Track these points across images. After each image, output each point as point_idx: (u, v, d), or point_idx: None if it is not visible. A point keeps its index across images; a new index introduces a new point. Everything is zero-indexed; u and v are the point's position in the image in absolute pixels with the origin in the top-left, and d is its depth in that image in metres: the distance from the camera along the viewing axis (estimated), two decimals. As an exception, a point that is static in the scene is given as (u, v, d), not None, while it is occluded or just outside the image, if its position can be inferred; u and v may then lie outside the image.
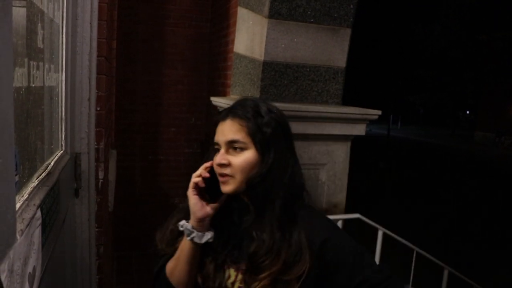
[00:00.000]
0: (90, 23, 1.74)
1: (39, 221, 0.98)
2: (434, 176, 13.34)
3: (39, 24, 1.18)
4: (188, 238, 1.12)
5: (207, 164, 1.14)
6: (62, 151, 1.60)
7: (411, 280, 3.50)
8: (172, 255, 1.20)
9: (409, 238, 3.30)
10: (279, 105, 2.58)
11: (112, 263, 3.46)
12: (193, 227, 1.12)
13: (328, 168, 2.63)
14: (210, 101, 3.30)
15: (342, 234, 1.16)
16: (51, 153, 1.46)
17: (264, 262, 1.04)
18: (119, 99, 4.06)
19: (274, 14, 2.51)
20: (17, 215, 0.80)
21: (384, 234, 3.20)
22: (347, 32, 2.70)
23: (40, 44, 1.19)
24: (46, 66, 1.28)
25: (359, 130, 2.61)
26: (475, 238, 7.37)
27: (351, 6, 2.66)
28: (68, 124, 1.65)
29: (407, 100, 31.50)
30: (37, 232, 0.95)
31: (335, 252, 1.08)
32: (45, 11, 1.26)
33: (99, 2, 1.81)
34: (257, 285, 1.04)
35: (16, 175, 0.82)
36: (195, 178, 1.13)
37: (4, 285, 0.65)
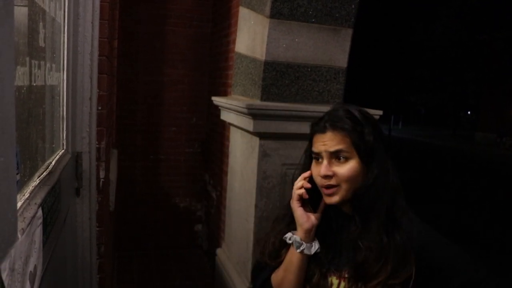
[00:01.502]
0: (92, 23, 1.74)
1: (40, 220, 0.98)
2: (435, 177, 13.33)
3: (41, 23, 1.18)
4: (298, 250, 1.14)
5: (306, 175, 1.16)
6: (63, 150, 1.60)
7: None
8: (275, 268, 1.21)
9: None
10: (279, 105, 2.58)
11: (113, 262, 3.46)
12: (301, 239, 1.14)
13: (329, 168, 2.62)
14: (211, 101, 3.30)
15: (437, 236, 1.16)
16: (52, 152, 1.46)
17: (373, 269, 1.05)
18: (120, 99, 4.06)
19: (276, 14, 2.51)
20: (18, 214, 0.80)
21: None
22: (349, 32, 2.70)
23: (41, 43, 1.19)
24: (48, 65, 1.28)
25: (360, 130, 2.61)
26: (476, 239, 7.37)
27: (353, 6, 2.66)
28: (70, 123, 1.65)
29: (408, 100, 31.50)
30: (38, 231, 0.95)
31: (433, 255, 1.09)
32: (47, 10, 1.26)
33: (100, 2, 1.81)
34: None
35: (17, 174, 0.82)
36: (298, 190, 1.15)
37: (5, 283, 0.65)
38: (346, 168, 1.09)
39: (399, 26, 28.52)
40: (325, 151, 1.11)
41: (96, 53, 1.79)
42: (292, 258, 1.15)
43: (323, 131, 1.13)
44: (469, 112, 39.09)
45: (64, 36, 1.57)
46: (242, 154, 2.85)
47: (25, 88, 0.99)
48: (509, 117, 24.65)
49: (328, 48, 2.67)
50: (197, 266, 4.25)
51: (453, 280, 1.08)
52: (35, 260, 0.89)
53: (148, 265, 4.20)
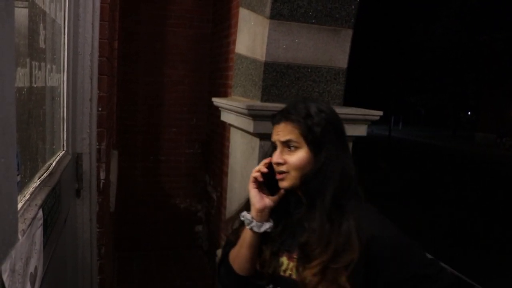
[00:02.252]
0: (92, 24, 1.75)
1: (41, 221, 0.98)
2: (435, 177, 13.33)
3: (41, 25, 1.18)
4: (248, 227, 1.22)
5: (266, 161, 1.24)
6: (63, 152, 1.60)
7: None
8: (235, 244, 1.29)
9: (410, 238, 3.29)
10: (280, 105, 2.58)
11: (113, 263, 3.46)
12: (252, 218, 1.22)
13: (329, 169, 2.62)
14: (211, 102, 3.30)
15: (392, 227, 1.19)
16: (53, 153, 1.46)
17: (314, 251, 1.11)
18: (121, 100, 4.06)
19: (276, 15, 2.51)
20: (18, 215, 0.80)
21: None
22: (349, 33, 2.70)
23: (42, 45, 1.19)
24: (48, 66, 1.29)
25: (360, 131, 2.61)
26: (476, 239, 7.36)
27: (353, 7, 2.66)
28: (70, 124, 1.65)
29: (408, 101, 31.49)
30: (39, 232, 0.95)
31: (385, 246, 1.13)
32: (47, 11, 1.27)
33: (100, 3, 1.81)
34: (307, 273, 1.11)
35: (17, 175, 0.82)
36: (254, 173, 1.23)
37: (6, 285, 0.65)
38: (295, 157, 1.18)
39: (399, 26, 28.51)
40: (278, 140, 1.21)
41: (96, 54, 1.79)
42: (245, 235, 1.23)
43: (278, 122, 1.23)
44: (469, 113, 39.08)
45: (64, 37, 1.58)
46: (243, 155, 2.85)
47: (25, 89, 0.99)
48: (509, 117, 24.65)
49: (328, 48, 2.67)
50: (198, 266, 4.25)
51: (405, 271, 1.12)
52: (35, 261, 0.89)
53: (149, 265, 4.20)
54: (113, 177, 2.76)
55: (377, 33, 29.36)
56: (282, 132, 1.20)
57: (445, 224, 8.17)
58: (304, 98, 1.31)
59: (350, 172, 1.21)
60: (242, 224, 1.27)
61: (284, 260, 1.21)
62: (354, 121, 2.55)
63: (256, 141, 2.56)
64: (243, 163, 2.83)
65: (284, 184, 1.20)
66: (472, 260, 6.05)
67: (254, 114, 2.40)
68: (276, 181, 1.21)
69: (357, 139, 2.66)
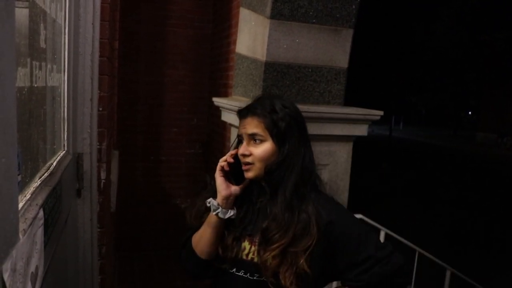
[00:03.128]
0: (93, 24, 1.75)
1: (42, 221, 0.98)
2: (436, 177, 13.32)
3: (42, 25, 1.18)
4: (214, 213, 1.27)
5: (233, 152, 1.31)
6: (64, 151, 1.60)
7: (413, 281, 3.49)
8: (198, 229, 1.35)
9: (411, 238, 3.29)
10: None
11: (114, 263, 3.46)
12: (218, 204, 1.27)
13: (330, 169, 2.63)
14: (212, 102, 3.30)
15: (347, 215, 1.33)
16: (54, 153, 1.46)
17: (275, 236, 1.19)
18: (121, 100, 4.06)
19: (276, 15, 2.51)
20: (19, 215, 0.80)
21: (387, 235, 3.19)
22: (349, 32, 2.70)
23: (42, 44, 1.19)
24: (49, 66, 1.29)
25: (361, 130, 2.61)
26: (477, 239, 7.36)
27: (353, 7, 2.66)
28: (71, 124, 1.65)
29: (409, 101, 31.48)
30: (40, 232, 0.95)
31: (341, 231, 1.25)
32: (48, 11, 1.27)
33: (101, 3, 1.81)
34: (268, 255, 1.19)
35: (18, 175, 0.82)
36: (221, 162, 1.29)
37: (7, 284, 0.65)
38: (260, 149, 1.25)
39: (399, 26, 28.47)
40: (244, 133, 1.27)
41: (97, 54, 1.79)
42: (210, 220, 1.29)
43: (244, 116, 1.30)
44: (470, 113, 39.06)
45: (65, 37, 1.57)
46: (243, 155, 2.85)
47: (26, 89, 0.99)
48: (510, 117, 24.63)
49: (328, 48, 2.67)
50: (198, 267, 4.24)
51: (360, 253, 1.23)
52: (36, 261, 0.89)
53: (149, 265, 4.20)
54: (114, 177, 2.76)
55: (378, 32, 29.34)
56: (249, 125, 1.26)
57: (445, 224, 8.16)
58: (270, 95, 1.42)
59: (311, 165, 1.30)
60: (206, 210, 1.32)
61: (246, 244, 1.28)
62: (355, 121, 2.55)
63: (257, 141, 2.56)
64: (244, 163, 2.82)
65: (249, 174, 1.26)
66: (472, 259, 6.05)
67: (254, 114, 2.39)
68: (241, 172, 1.28)
69: (358, 139, 2.66)
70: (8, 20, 0.64)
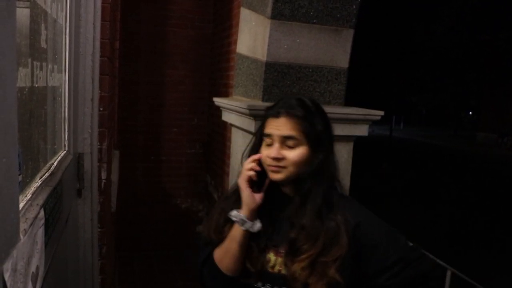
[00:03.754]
0: (93, 24, 1.75)
1: (42, 221, 0.98)
2: (436, 177, 13.31)
3: (43, 25, 1.18)
4: (243, 228, 1.19)
5: (256, 157, 1.22)
6: (65, 151, 1.60)
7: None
8: (217, 244, 1.26)
9: (411, 238, 3.28)
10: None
11: (114, 263, 3.46)
12: (246, 218, 1.19)
13: (330, 169, 2.62)
14: (212, 102, 3.30)
15: (374, 218, 1.25)
16: (54, 153, 1.46)
17: (303, 246, 1.14)
18: (122, 100, 4.06)
19: (277, 15, 2.51)
20: (20, 215, 0.80)
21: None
22: (350, 32, 2.70)
23: (43, 45, 1.19)
24: (50, 66, 1.29)
25: (362, 130, 2.61)
26: (478, 239, 7.35)
27: (354, 7, 2.66)
28: (71, 124, 1.65)
29: (410, 101, 31.48)
30: (40, 231, 0.95)
31: (369, 235, 1.19)
32: (49, 11, 1.27)
33: (102, 3, 1.81)
34: (297, 267, 1.13)
35: (19, 175, 0.82)
36: (248, 172, 1.21)
37: (8, 284, 0.65)
38: (295, 153, 1.17)
39: (400, 26, 28.46)
40: (278, 135, 1.18)
41: (97, 54, 1.79)
42: (236, 234, 1.20)
43: (277, 115, 1.20)
44: (470, 113, 39.04)
45: (65, 37, 1.58)
46: (244, 155, 2.85)
47: (27, 89, 1.00)
48: (510, 117, 24.60)
49: (329, 48, 2.67)
50: (199, 267, 4.24)
51: (390, 256, 1.17)
52: (37, 261, 0.89)
53: (150, 265, 4.20)
54: (114, 177, 2.76)
55: (378, 33, 29.33)
56: (284, 127, 1.18)
57: (446, 224, 8.16)
58: (300, 95, 1.32)
59: (336, 171, 1.26)
60: (227, 222, 1.24)
61: (271, 256, 1.21)
62: (355, 121, 2.55)
63: (257, 141, 2.56)
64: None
65: (278, 176, 1.19)
66: (473, 259, 6.04)
67: (255, 114, 2.40)
68: (260, 176, 1.22)
69: (358, 139, 2.65)
70: (9, 20, 0.64)
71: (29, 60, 1.01)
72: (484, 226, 8.21)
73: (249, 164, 1.21)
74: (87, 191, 1.81)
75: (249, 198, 1.19)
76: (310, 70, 2.65)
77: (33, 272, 0.85)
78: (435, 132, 34.15)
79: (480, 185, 12.39)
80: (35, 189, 1.05)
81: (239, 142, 2.98)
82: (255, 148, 1.26)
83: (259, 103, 2.52)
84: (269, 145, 1.20)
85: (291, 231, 1.17)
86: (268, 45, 2.54)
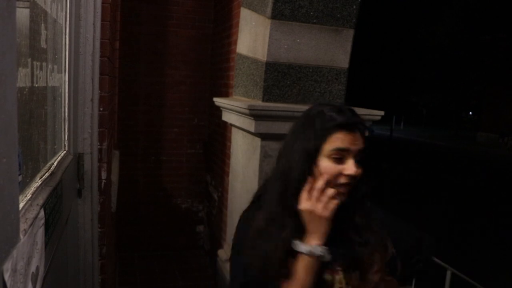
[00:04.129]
0: (93, 24, 1.75)
1: (42, 221, 0.98)
2: (437, 177, 13.31)
3: (43, 25, 1.18)
4: (324, 259, 1.10)
5: (327, 178, 1.10)
6: (65, 152, 1.60)
7: (413, 281, 3.49)
8: (275, 279, 1.11)
9: (412, 237, 3.28)
10: (281, 105, 2.58)
11: (115, 263, 3.46)
12: (325, 248, 1.10)
13: (330, 169, 2.62)
14: (213, 102, 3.30)
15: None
16: (54, 153, 1.47)
17: (372, 259, 1.14)
18: (122, 100, 4.07)
19: (277, 15, 2.51)
20: (20, 215, 0.80)
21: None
22: (350, 32, 2.70)
23: (43, 45, 1.19)
24: (50, 66, 1.29)
25: (362, 130, 2.61)
26: (478, 239, 7.35)
27: (354, 7, 2.66)
28: (71, 124, 1.66)
29: (410, 101, 31.47)
30: (40, 232, 0.95)
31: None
32: (49, 11, 1.27)
33: (102, 3, 1.81)
34: (373, 278, 1.14)
35: (19, 175, 0.82)
36: (334, 200, 1.09)
37: (8, 284, 0.65)
38: (360, 169, 1.11)
39: (401, 26, 28.47)
40: (355, 150, 1.10)
41: (97, 54, 1.79)
42: (308, 265, 1.09)
43: (352, 129, 1.11)
44: (471, 113, 39.01)
45: (65, 38, 1.58)
46: (244, 155, 2.85)
47: (27, 89, 1.00)
48: (511, 117, 24.60)
49: (329, 48, 2.67)
50: (199, 267, 4.25)
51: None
52: (37, 261, 0.89)
53: (150, 266, 4.20)
54: (115, 177, 2.76)
55: (379, 33, 29.32)
56: (359, 142, 1.11)
57: (447, 223, 8.15)
58: (340, 103, 1.26)
59: None
60: (288, 255, 1.11)
61: (328, 276, 1.14)
62: (355, 121, 2.55)
63: (258, 141, 2.56)
64: (245, 163, 2.83)
65: (343, 198, 1.11)
66: (473, 259, 6.04)
67: (255, 114, 2.40)
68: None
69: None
70: (9, 20, 0.64)
71: (29, 60, 1.01)
72: (485, 226, 8.21)
73: (330, 190, 1.09)
74: (87, 191, 1.81)
75: (327, 227, 1.10)
76: (310, 70, 2.65)
77: (33, 272, 0.85)
78: (435, 132, 34.14)
79: (481, 185, 12.38)
80: (35, 189, 1.05)
81: (239, 142, 2.98)
82: (305, 167, 1.12)
83: (259, 103, 2.52)
84: (337, 160, 1.10)
85: (353, 249, 1.14)
86: (268, 45, 2.54)
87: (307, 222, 1.10)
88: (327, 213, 1.08)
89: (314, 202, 1.08)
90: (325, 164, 1.10)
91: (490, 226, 8.22)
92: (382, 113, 2.58)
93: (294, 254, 1.10)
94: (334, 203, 1.09)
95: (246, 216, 1.23)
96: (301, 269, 1.09)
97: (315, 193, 1.09)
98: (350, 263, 1.13)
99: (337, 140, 1.10)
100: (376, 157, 15.97)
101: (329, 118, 1.12)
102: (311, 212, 1.09)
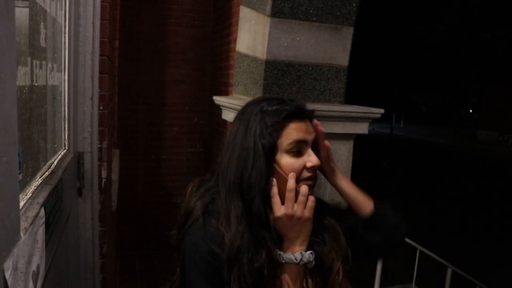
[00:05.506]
0: (93, 23, 1.75)
1: (43, 220, 0.98)
2: (437, 175, 13.31)
3: (42, 23, 1.18)
4: (312, 265, 1.03)
5: (293, 175, 1.00)
6: (65, 150, 1.60)
7: (414, 279, 3.50)
8: None
9: (412, 237, 3.29)
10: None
11: (115, 262, 3.47)
12: (311, 253, 1.03)
13: (330, 167, 2.62)
14: (213, 100, 3.30)
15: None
16: (54, 152, 1.47)
17: (330, 257, 1.07)
18: (122, 99, 4.06)
19: (276, 13, 2.51)
20: (21, 214, 0.80)
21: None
22: (350, 30, 2.70)
23: (43, 43, 1.19)
24: (49, 65, 1.29)
25: (362, 128, 2.61)
26: (478, 237, 7.36)
27: (354, 5, 2.66)
28: (71, 123, 1.66)
29: (410, 99, 31.44)
30: (41, 230, 0.95)
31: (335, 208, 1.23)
32: (48, 10, 1.27)
33: (101, 2, 1.81)
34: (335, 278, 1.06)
35: (19, 173, 0.82)
36: (312, 197, 1.00)
37: (9, 283, 0.65)
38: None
39: (400, 24, 28.43)
40: (310, 139, 1.03)
41: (97, 53, 1.79)
42: (299, 273, 1.02)
43: (303, 118, 1.03)
44: (471, 111, 39.00)
45: (65, 36, 1.58)
46: (244, 153, 2.85)
47: (26, 88, 1.00)
48: (511, 115, 24.59)
49: (329, 46, 2.67)
50: (199, 265, 4.25)
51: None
52: (38, 259, 0.89)
53: (150, 264, 4.21)
54: (115, 176, 2.76)
55: (379, 30, 29.30)
56: (311, 130, 1.04)
57: (447, 222, 8.16)
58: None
59: None
60: (274, 266, 1.01)
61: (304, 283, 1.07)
62: (355, 119, 2.55)
63: (258, 140, 2.56)
64: (245, 162, 2.82)
65: (311, 190, 1.03)
66: (474, 257, 6.05)
67: (255, 113, 2.39)
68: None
69: (358, 137, 2.65)
70: (9, 19, 0.64)
71: (29, 59, 1.01)
72: (486, 224, 8.22)
73: (304, 187, 1.00)
74: (88, 190, 1.81)
75: (310, 229, 1.02)
76: (310, 68, 2.65)
77: (33, 271, 0.85)
78: (435, 130, 34.13)
79: (481, 183, 12.39)
80: (35, 188, 1.05)
81: (239, 140, 2.98)
82: (261, 165, 0.99)
83: (259, 102, 2.52)
84: (296, 153, 1.01)
85: (314, 247, 1.05)
86: (268, 43, 2.54)
87: (287, 228, 1.00)
88: (309, 213, 1.00)
89: (291, 205, 0.99)
90: (286, 161, 1.00)
91: (491, 224, 8.22)
92: (382, 111, 2.58)
93: (274, 266, 1.00)
94: (312, 201, 1.00)
95: (199, 228, 1.04)
96: (291, 279, 1.00)
97: (289, 195, 0.98)
98: (314, 266, 1.04)
99: (292, 132, 1.00)
100: (376, 155, 15.98)
101: (276, 111, 1.01)
102: (291, 217, 0.99)
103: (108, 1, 1.94)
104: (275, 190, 1.00)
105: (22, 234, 0.77)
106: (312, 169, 1.02)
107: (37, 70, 1.10)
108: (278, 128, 1.00)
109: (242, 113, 1.07)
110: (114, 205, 2.74)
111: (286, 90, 2.62)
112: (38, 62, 1.12)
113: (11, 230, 0.69)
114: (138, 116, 4.33)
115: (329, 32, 2.65)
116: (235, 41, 3.23)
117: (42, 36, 1.19)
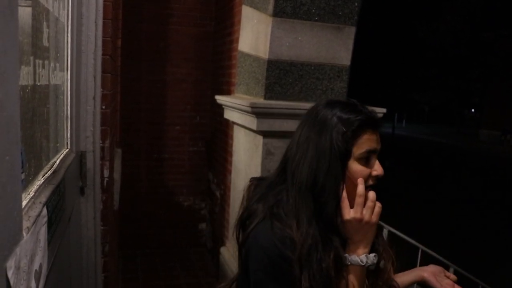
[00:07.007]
0: (95, 22, 1.75)
1: (45, 219, 0.99)
2: (440, 175, 13.29)
3: (45, 23, 1.18)
4: (373, 267, 1.08)
5: (362, 180, 1.06)
6: (67, 150, 1.60)
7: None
8: None
9: (414, 236, 3.28)
10: (283, 103, 2.58)
11: (118, 261, 3.47)
12: (373, 255, 1.08)
13: (332, 167, 2.62)
14: (215, 100, 3.30)
15: None
16: (57, 151, 1.47)
17: (386, 258, 1.12)
18: (124, 98, 4.07)
19: (279, 13, 2.50)
20: (23, 213, 0.80)
21: (390, 233, 3.18)
22: (352, 30, 2.69)
23: (45, 43, 1.20)
24: (52, 64, 1.29)
25: (364, 128, 2.61)
26: (480, 236, 7.34)
27: (356, 4, 2.65)
28: (74, 122, 1.66)
29: (412, 98, 31.36)
30: (43, 229, 0.95)
31: None
32: (51, 10, 1.27)
33: (103, 1, 1.81)
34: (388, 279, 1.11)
35: (22, 173, 0.82)
36: (379, 204, 1.06)
37: (11, 282, 0.65)
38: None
39: (402, 24, 28.35)
40: (379, 149, 1.09)
41: (99, 52, 1.79)
42: (363, 275, 1.06)
43: (375, 128, 1.09)
44: (473, 110, 38.90)
45: (67, 36, 1.58)
46: (246, 153, 2.86)
47: (29, 88, 1.00)
48: (514, 114, 24.53)
49: (331, 46, 2.67)
50: (201, 264, 4.26)
51: None
52: (40, 258, 0.89)
53: (153, 263, 4.21)
54: (117, 175, 2.77)
55: (381, 30, 29.23)
56: (379, 140, 1.11)
57: (449, 221, 8.15)
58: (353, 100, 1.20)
59: None
60: (339, 269, 1.04)
61: None
62: (357, 119, 2.55)
63: (260, 139, 2.56)
64: (247, 161, 2.83)
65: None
66: (476, 256, 6.03)
67: (257, 112, 2.40)
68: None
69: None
70: (12, 18, 0.64)
71: (32, 58, 1.01)
72: (488, 223, 8.20)
73: (372, 193, 1.06)
74: (90, 189, 1.82)
75: (374, 233, 1.08)
76: (312, 67, 2.65)
77: (36, 270, 0.85)
78: (438, 130, 34.07)
79: (484, 182, 12.36)
80: (37, 187, 1.05)
81: (241, 139, 2.98)
82: (338, 170, 1.04)
83: (261, 101, 2.52)
84: (365, 161, 1.07)
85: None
86: (270, 43, 2.53)
87: (354, 231, 1.05)
88: (376, 218, 1.05)
89: (360, 209, 1.04)
90: (356, 167, 1.06)
91: (493, 224, 8.20)
92: (384, 110, 2.57)
93: (339, 267, 1.04)
94: (380, 207, 1.06)
95: (266, 230, 1.06)
96: (356, 281, 1.05)
97: (359, 200, 1.04)
98: (376, 272, 1.11)
99: (366, 142, 1.07)
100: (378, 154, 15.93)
101: (352, 119, 1.06)
102: (359, 221, 1.03)
103: (110, 0, 1.94)
104: (344, 194, 1.05)
105: (24, 233, 0.77)
106: (377, 178, 1.08)
107: (40, 70, 1.11)
108: (354, 136, 1.05)
109: (315, 116, 1.11)
110: (116, 204, 2.74)
111: (288, 90, 2.62)
112: (40, 61, 1.12)
113: (14, 229, 0.70)
114: (140, 115, 4.34)
115: (331, 32, 2.64)
116: (237, 41, 3.23)
117: (45, 36, 1.19)
